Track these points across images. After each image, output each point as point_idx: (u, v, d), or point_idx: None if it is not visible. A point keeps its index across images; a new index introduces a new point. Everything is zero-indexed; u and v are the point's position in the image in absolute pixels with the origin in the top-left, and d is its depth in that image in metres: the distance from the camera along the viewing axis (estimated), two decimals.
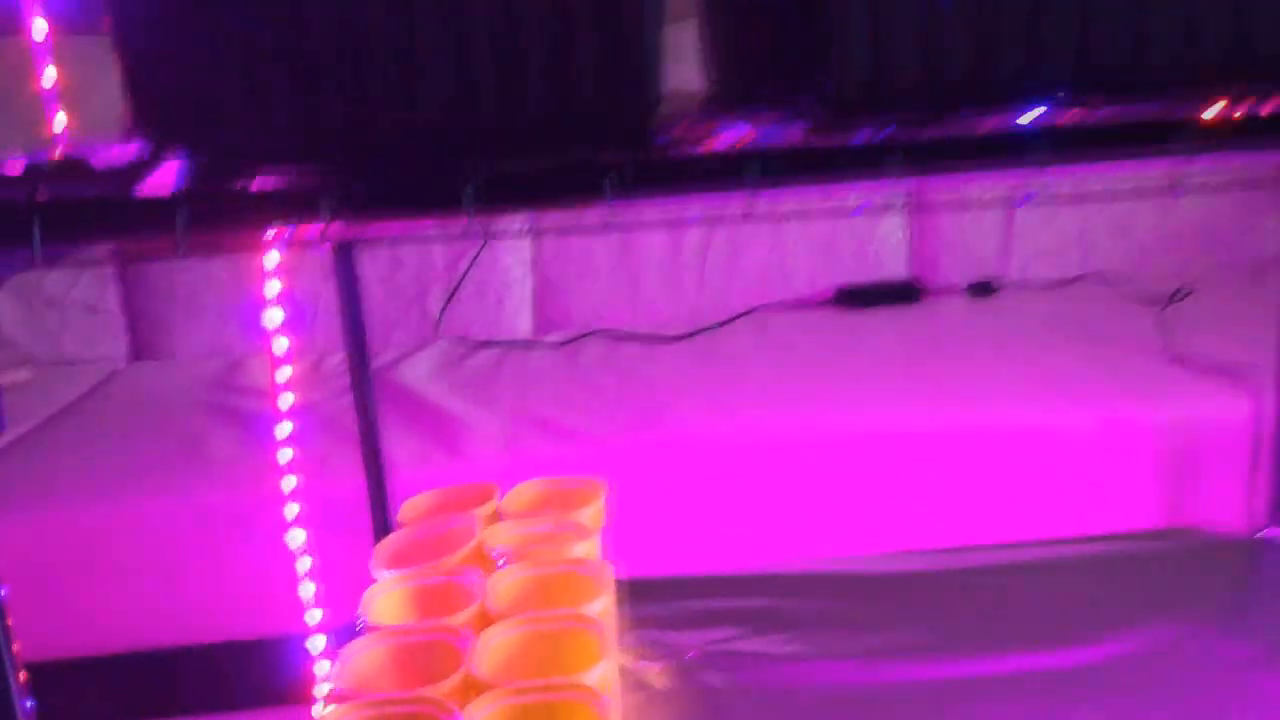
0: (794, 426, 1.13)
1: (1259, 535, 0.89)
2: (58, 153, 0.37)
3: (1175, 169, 0.40)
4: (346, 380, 0.95)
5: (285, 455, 0.86)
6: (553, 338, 1.54)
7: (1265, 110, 0.39)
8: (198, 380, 1.45)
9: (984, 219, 1.64)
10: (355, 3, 0.34)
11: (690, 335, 1.47)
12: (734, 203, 0.35)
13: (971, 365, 1.25)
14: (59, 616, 1.08)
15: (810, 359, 1.35)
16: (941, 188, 1.39)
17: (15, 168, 0.35)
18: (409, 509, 0.82)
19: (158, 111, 0.34)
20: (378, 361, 1.42)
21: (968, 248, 1.64)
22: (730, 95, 0.40)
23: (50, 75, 0.47)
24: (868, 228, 1.63)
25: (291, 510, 0.88)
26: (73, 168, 0.34)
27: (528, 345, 1.52)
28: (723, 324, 1.52)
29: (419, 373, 1.41)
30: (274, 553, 0.96)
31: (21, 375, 1.52)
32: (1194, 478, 1.06)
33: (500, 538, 0.74)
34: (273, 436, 0.86)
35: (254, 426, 1.23)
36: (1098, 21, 0.36)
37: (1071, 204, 1.59)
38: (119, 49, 0.34)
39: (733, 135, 0.36)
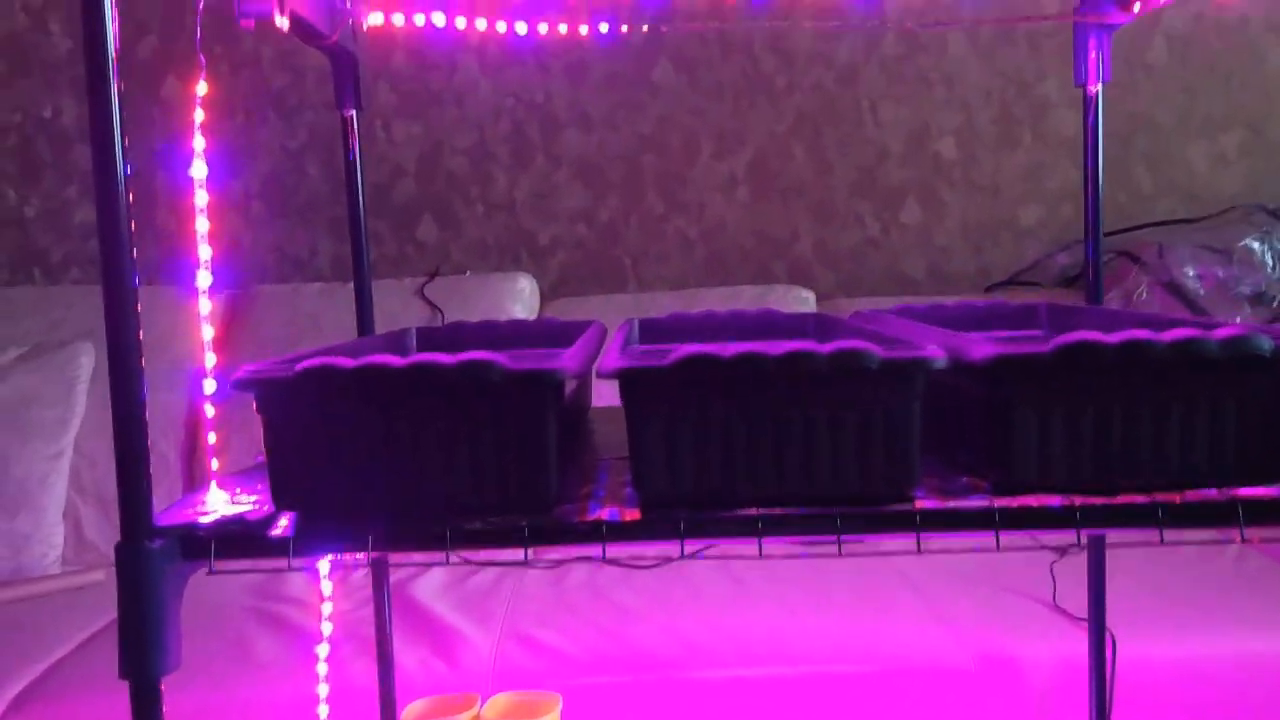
0: (734, 646, 1.38)
1: None
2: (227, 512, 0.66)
3: None
4: (369, 592, 1.21)
5: (320, 659, 1.11)
6: (545, 559, 1.80)
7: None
8: (245, 589, 1.71)
9: None
10: (381, 454, 0.64)
11: (660, 564, 1.73)
12: None
13: (898, 606, 1.50)
14: None
15: (760, 591, 1.60)
16: None
17: (200, 517, 0.64)
18: (409, 713, 1.07)
19: (284, 494, 0.64)
20: (398, 575, 1.68)
21: None
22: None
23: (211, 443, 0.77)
24: None
25: (319, 705, 1.12)
26: (240, 520, 0.64)
27: (524, 565, 1.78)
28: (689, 555, 1.78)
29: (430, 588, 1.67)
30: None
31: (97, 577, 1.79)
32: (1043, 704, 1.30)
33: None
34: (306, 641, 1.11)
35: (290, 631, 1.49)
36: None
37: None
38: (270, 460, 0.64)
39: (597, 510, 0.65)
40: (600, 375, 0.63)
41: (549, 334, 1.05)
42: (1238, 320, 1.99)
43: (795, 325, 1.04)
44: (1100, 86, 1.09)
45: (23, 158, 2.43)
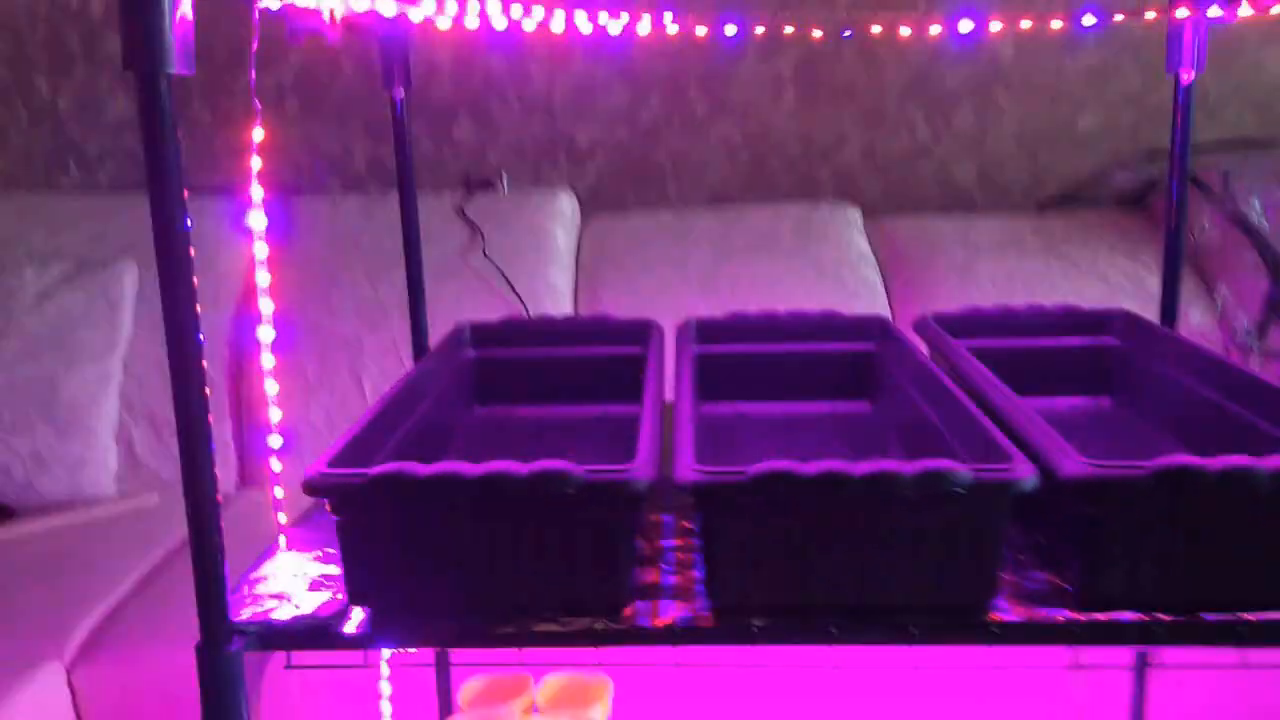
0: None
1: None
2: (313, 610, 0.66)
3: None
4: None
5: None
6: None
7: None
8: None
9: None
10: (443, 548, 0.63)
11: None
12: None
13: None
14: None
15: None
16: None
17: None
18: (465, 693, 1.10)
19: (358, 590, 0.64)
20: None
21: None
22: None
23: None
24: None
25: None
26: (322, 627, 0.64)
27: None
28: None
29: None
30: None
31: (151, 500, 1.83)
32: None
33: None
34: None
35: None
36: None
37: None
38: (344, 557, 0.63)
39: (669, 612, 0.64)
40: (676, 487, 0.61)
41: (606, 332, 1.04)
42: None
43: (858, 330, 1.02)
44: (1194, 74, 1.02)
45: (52, 49, 2.36)
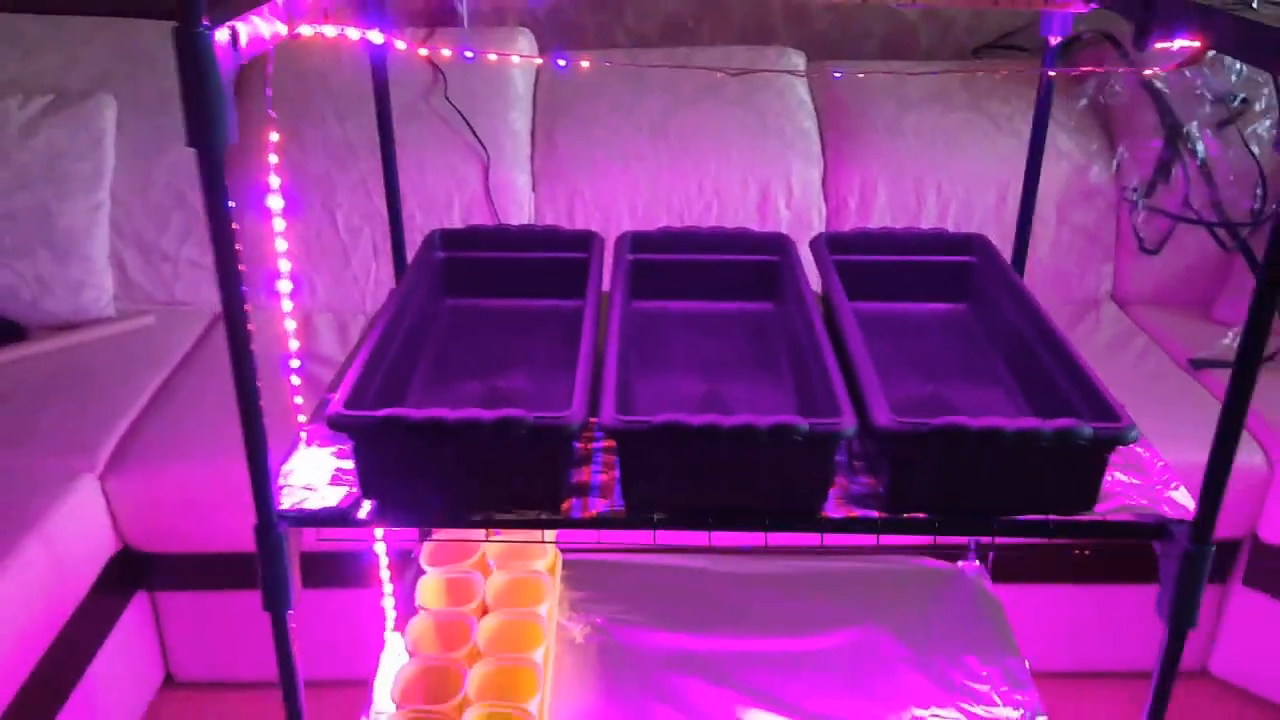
0: None
1: (957, 565, 1.46)
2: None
3: None
4: None
5: None
6: None
7: None
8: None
9: None
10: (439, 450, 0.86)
11: None
12: None
13: None
14: (210, 522, 1.65)
15: None
16: None
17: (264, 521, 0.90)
18: (427, 549, 1.34)
19: (369, 488, 0.88)
20: None
21: None
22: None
23: None
24: None
25: None
26: (342, 513, 0.88)
27: None
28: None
29: None
30: None
31: (145, 321, 2.04)
32: None
33: (492, 551, 1.31)
34: None
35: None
36: None
37: None
38: (358, 466, 0.87)
39: (595, 507, 0.89)
40: (601, 429, 0.85)
41: (557, 241, 1.24)
42: (1195, 124, 2.12)
43: (765, 245, 1.23)
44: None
45: None
